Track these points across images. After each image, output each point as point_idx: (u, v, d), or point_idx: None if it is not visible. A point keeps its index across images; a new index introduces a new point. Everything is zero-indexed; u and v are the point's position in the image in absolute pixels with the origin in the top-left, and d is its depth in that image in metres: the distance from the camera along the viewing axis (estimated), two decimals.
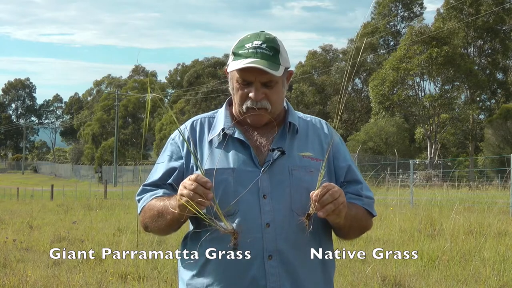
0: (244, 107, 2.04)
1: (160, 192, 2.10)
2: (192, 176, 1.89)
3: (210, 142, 2.10)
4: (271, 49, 2.01)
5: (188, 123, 2.17)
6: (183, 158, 2.11)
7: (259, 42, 2.02)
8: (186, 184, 1.89)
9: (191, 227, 2.14)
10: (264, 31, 2.08)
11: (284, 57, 2.04)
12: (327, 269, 2.09)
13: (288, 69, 2.09)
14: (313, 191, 1.90)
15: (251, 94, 2.02)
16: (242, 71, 2.00)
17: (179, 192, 1.91)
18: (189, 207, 1.87)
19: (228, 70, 2.06)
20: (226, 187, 2.00)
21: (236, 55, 2.02)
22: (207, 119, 2.17)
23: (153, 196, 2.09)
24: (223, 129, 2.08)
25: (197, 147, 2.10)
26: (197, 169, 2.06)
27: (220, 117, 2.14)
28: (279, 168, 2.03)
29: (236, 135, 2.06)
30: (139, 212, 2.15)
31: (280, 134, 2.09)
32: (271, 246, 1.97)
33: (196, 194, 1.86)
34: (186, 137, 2.10)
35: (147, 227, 2.12)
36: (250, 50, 2.00)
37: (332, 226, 2.08)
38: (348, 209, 1.98)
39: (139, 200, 2.15)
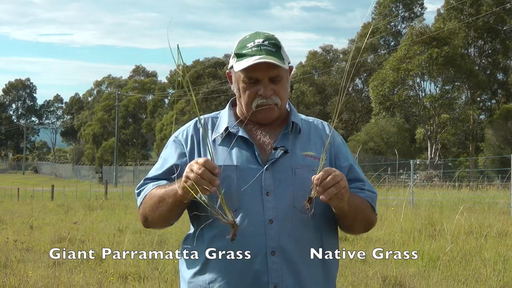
0: (254, 105, 2.05)
1: (163, 182, 2.08)
2: (201, 160, 1.88)
3: (214, 141, 2.11)
4: (273, 46, 2.04)
5: (191, 123, 2.18)
6: (187, 155, 2.11)
7: (261, 40, 2.04)
8: (194, 168, 1.87)
9: (191, 228, 2.14)
10: (260, 31, 2.10)
11: (285, 53, 2.08)
12: (329, 268, 2.09)
13: (289, 64, 2.12)
14: (314, 175, 1.90)
15: (260, 92, 2.03)
16: (249, 70, 2.01)
17: (185, 174, 1.89)
18: (192, 192, 1.85)
19: (235, 70, 2.06)
20: (229, 184, 2.00)
21: (240, 55, 2.04)
22: (210, 119, 2.18)
23: (155, 185, 2.08)
24: (227, 128, 2.10)
25: (200, 146, 2.11)
26: None
27: (224, 117, 2.15)
28: (282, 167, 2.04)
29: (240, 133, 2.07)
30: (139, 204, 2.11)
31: (283, 134, 2.10)
32: (274, 242, 1.98)
33: (202, 179, 1.85)
34: (203, 124, 2.10)
35: (146, 218, 2.09)
36: (254, 49, 2.02)
37: (336, 218, 2.06)
38: (351, 196, 1.98)
39: (139, 193, 2.12)
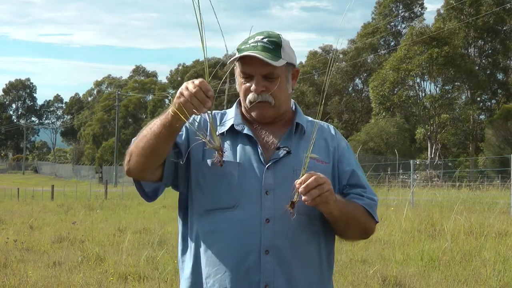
0: (247, 101, 2.06)
1: None
2: (196, 81, 1.86)
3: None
4: (271, 43, 2.03)
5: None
6: (186, 139, 2.08)
7: (261, 37, 2.04)
8: (189, 86, 1.86)
9: (183, 227, 2.14)
10: (268, 30, 2.10)
11: (286, 52, 2.05)
12: (323, 270, 2.09)
13: (294, 67, 2.10)
14: (297, 180, 1.89)
15: (252, 87, 2.03)
16: (242, 64, 2.03)
17: (179, 90, 1.87)
18: (184, 111, 1.82)
19: (228, 62, 2.08)
20: (230, 180, 2.00)
21: (239, 50, 2.05)
22: (219, 114, 2.19)
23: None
24: (232, 125, 2.10)
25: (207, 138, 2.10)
26: (203, 158, 2.04)
27: (231, 114, 2.16)
28: (284, 167, 2.04)
29: (245, 131, 2.08)
30: (128, 158, 2.03)
31: (287, 134, 2.10)
32: (269, 241, 1.98)
33: (195, 98, 1.83)
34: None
35: (131, 154, 2.01)
36: (251, 45, 2.02)
37: (329, 223, 2.05)
38: (344, 203, 1.98)
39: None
